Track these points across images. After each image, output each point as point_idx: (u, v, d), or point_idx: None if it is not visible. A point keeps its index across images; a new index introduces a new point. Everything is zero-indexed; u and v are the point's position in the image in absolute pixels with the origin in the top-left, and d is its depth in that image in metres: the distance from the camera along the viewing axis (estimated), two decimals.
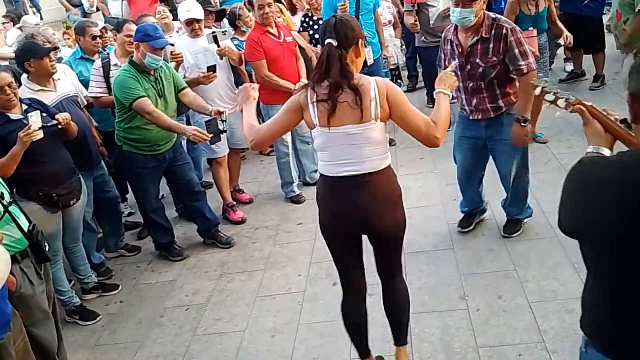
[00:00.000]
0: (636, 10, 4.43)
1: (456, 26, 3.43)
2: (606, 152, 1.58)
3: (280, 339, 3.24)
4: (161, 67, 3.96)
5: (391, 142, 5.61)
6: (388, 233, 2.54)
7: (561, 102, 1.79)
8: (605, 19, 5.65)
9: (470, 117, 3.56)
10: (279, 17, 4.96)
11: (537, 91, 1.86)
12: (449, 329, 3.06)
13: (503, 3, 5.50)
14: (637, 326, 1.31)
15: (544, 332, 2.89)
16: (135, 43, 3.86)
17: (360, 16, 5.15)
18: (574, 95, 1.83)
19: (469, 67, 3.40)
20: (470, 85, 3.44)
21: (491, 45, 3.30)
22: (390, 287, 2.72)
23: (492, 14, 3.38)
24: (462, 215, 4.04)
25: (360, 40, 2.38)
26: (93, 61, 4.43)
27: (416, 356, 2.91)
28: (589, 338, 1.44)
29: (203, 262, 4.23)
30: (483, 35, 3.30)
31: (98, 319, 3.70)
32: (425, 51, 5.76)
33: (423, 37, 5.71)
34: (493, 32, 3.29)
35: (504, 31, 3.27)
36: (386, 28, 5.81)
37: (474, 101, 3.49)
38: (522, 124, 3.38)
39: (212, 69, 4.40)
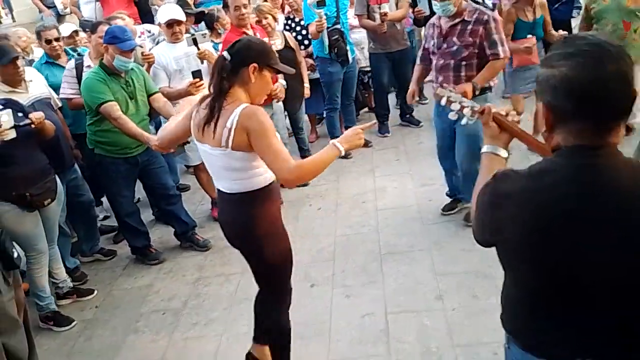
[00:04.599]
0: None
1: None
2: (502, 152, 1.65)
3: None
4: (132, 69, 3.91)
5: (367, 144, 5.66)
6: (247, 257, 2.64)
7: (467, 111, 1.81)
8: (574, 22, 5.76)
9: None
10: (265, 19, 4.92)
11: (443, 101, 1.85)
12: (426, 330, 3.09)
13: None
14: (551, 323, 1.37)
15: None
16: (104, 45, 3.81)
17: (340, 15, 5.19)
18: (480, 103, 1.86)
19: (444, 45, 3.73)
20: (441, 62, 3.76)
21: (470, 27, 3.64)
22: (258, 295, 2.78)
23: (474, 4, 3.76)
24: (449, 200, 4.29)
25: (254, 66, 2.30)
26: (59, 65, 4.35)
27: (393, 357, 2.93)
28: (510, 335, 1.50)
29: (180, 265, 4.20)
30: (465, 18, 3.65)
31: (73, 324, 3.65)
32: (374, 57, 5.74)
33: (372, 44, 5.74)
34: (475, 16, 3.64)
35: (486, 17, 3.62)
36: (360, 30, 5.83)
37: (440, 78, 3.78)
38: (475, 88, 3.62)
39: (197, 74, 4.19)
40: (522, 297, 1.43)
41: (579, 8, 5.60)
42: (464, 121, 1.81)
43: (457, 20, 3.66)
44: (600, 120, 1.24)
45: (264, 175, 2.40)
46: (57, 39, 4.41)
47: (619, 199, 1.24)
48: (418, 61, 4.08)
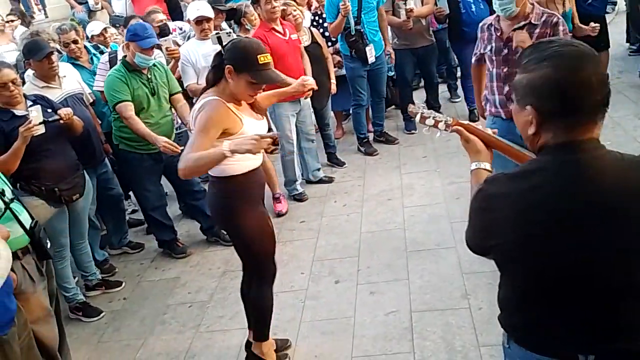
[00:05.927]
0: None
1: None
2: (487, 166, 1.67)
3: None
4: (155, 66, 3.97)
5: (394, 141, 5.63)
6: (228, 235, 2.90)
7: (441, 125, 1.80)
8: (608, 17, 5.62)
9: (504, 116, 3.37)
10: (294, 11, 4.95)
11: (417, 118, 1.85)
12: (451, 328, 3.06)
13: (474, 6, 5.46)
14: (550, 321, 1.39)
15: None
16: (125, 43, 3.88)
17: (362, 15, 5.15)
18: (452, 116, 1.85)
19: (506, 51, 3.33)
20: (505, 70, 3.35)
21: (537, 31, 3.27)
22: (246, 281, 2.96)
23: (539, 6, 3.38)
24: None
25: (229, 67, 2.44)
26: (80, 65, 4.38)
27: (418, 354, 2.92)
28: (507, 333, 1.52)
29: (206, 259, 4.24)
30: (532, 21, 3.28)
31: (101, 315, 3.72)
32: (398, 54, 5.65)
33: (395, 40, 5.66)
34: (543, 19, 3.29)
35: (555, 19, 3.28)
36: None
37: (506, 89, 3.36)
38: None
39: None
40: (516, 298, 1.46)
41: (614, 4, 5.46)
42: (438, 134, 1.83)
43: (523, 23, 3.27)
44: (582, 116, 1.30)
45: (232, 165, 2.51)
46: (74, 41, 4.37)
47: (603, 196, 1.28)
48: (474, 62, 3.63)
